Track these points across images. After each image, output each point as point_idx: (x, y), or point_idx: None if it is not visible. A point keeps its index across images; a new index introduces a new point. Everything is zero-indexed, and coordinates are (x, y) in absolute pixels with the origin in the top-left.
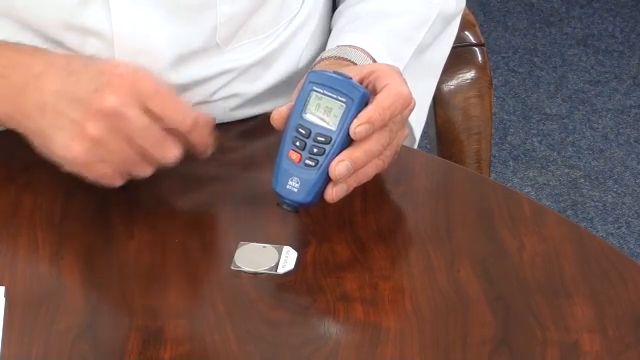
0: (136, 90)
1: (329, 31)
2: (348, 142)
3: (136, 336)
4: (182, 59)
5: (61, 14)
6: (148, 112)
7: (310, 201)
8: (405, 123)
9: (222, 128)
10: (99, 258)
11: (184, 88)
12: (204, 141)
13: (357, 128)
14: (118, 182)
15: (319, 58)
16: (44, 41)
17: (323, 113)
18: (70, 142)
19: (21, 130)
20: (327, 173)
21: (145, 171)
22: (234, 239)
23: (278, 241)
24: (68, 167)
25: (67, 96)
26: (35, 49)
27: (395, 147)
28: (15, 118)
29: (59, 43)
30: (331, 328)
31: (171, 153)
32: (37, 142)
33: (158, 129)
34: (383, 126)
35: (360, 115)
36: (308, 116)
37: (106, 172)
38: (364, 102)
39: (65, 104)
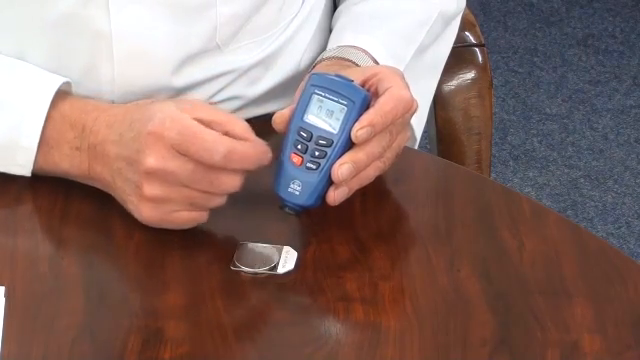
0: (167, 142)
1: (330, 32)
2: (349, 145)
3: (136, 336)
4: (182, 60)
5: (60, 13)
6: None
7: (312, 204)
8: (406, 126)
9: None
10: (99, 258)
11: (185, 90)
12: (250, 159)
13: (359, 132)
14: (204, 219)
15: (320, 58)
16: (43, 39)
17: (325, 116)
18: (138, 205)
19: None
20: (329, 176)
21: (220, 202)
22: (234, 239)
23: (278, 241)
24: (154, 226)
25: (124, 159)
26: (95, 107)
27: (396, 149)
28: (98, 184)
29: (58, 42)
30: (331, 328)
31: (231, 183)
32: (124, 207)
33: (206, 169)
34: (384, 129)
35: (362, 118)
36: (310, 119)
37: (184, 218)
38: (365, 105)
39: (124, 167)
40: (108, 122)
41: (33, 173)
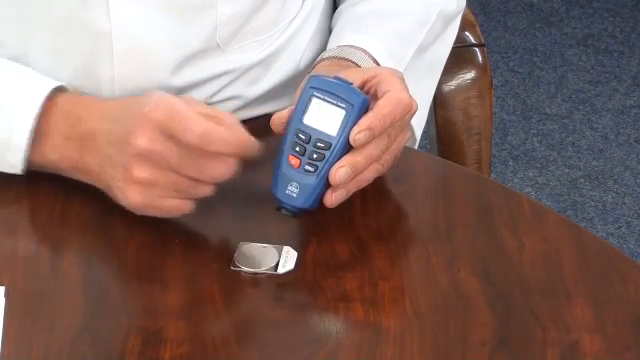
0: (156, 123)
1: (330, 32)
2: (348, 148)
3: (136, 336)
4: (182, 60)
5: (61, 12)
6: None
7: (309, 206)
8: (405, 127)
9: None
10: (99, 258)
11: (184, 89)
12: (227, 142)
13: (357, 135)
14: (188, 209)
15: (320, 58)
16: (44, 38)
17: (323, 119)
18: (126, 189)
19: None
20: (326, 178)
21: (206, 191)
22: (234, 239)
23: (278, 241)
24: (139, 213)
25: (114, 144)
26: (92, 100)
27: (395, 151)
28: (85, 176)
29: (59, 41)
30: (331, 328)
31: (219, 171)
32: (110, 195)
33: (197, 153)
34: (383, 132)
35: (360, 122)
36: (308, 121)
37: (170, 206)
38: (364, 108)
39: (114, 152)
40: (102, 112)
41: (27, 170)
